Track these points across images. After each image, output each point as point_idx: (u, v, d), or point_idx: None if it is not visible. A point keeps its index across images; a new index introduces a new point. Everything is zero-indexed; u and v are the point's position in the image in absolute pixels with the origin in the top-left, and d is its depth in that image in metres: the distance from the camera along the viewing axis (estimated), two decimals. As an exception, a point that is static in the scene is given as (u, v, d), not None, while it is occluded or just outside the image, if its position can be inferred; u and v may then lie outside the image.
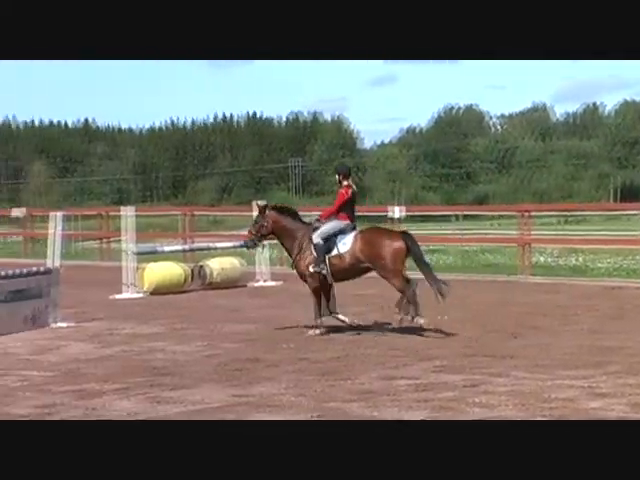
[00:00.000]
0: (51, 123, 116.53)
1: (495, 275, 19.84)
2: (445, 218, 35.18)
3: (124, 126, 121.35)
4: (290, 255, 12.22)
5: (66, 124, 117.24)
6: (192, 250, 22.35)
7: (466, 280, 18.95)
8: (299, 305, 14.82)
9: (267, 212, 12.23)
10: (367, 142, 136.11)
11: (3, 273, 12.00)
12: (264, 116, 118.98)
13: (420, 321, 11.32)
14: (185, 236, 26.17)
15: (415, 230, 32.61)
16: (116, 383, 8.39)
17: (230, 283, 17.96)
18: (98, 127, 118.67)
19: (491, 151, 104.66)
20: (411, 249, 11.59)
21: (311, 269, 11.76)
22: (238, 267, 18.46)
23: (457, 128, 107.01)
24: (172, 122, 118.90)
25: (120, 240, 18.73)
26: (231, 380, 8.53)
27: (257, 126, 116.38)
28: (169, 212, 39.21)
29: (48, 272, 12.62)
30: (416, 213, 33.86)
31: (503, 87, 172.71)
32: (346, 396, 7.78)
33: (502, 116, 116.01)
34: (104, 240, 28.04)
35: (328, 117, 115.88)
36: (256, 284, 18.53)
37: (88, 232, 32.15)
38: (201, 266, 18.08)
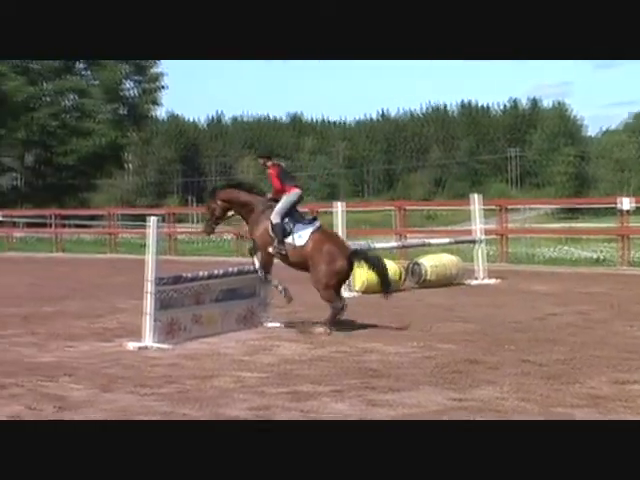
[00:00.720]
0: (260, 118, 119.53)
1: None
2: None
3: (333, 119, 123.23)
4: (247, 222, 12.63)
5: (275, 118, 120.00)
6: (405, 247, 22.44)
7: None
8: (520, 304, 14.63)
9: (216, 194, 12.67)
10: (592, 129, 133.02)
11: (216, 272, 12.38)
12: (479, 104, 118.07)
13: (317, 330, 11.91)
14: (398, 232, 26.28)
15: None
16: (330, 385, 8.50)
17: (446, 281, 17.90)
18: (307, 121, 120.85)
19: None
20: (365, 262, 12.34)
21: (270, 250, 12.28)
22: (454, 264, 18.38)
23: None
24: (383, 113, 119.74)
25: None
26: (449, 383, 8.49)
27: (472, 115, 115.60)
28: (381, 207, 39.52)
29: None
30: (647, 204, 32.71)
31: None
32: (574, 401, 7.60)
33: None
34: (315, 237, 28.47)
35: (548, 103, 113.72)
36: (473, 282, 18.41)
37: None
38: (415, 263, 18.10)
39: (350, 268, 12.28)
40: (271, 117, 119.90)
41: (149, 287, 11.11)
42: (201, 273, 12.17)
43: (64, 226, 37.71)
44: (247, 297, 12.65)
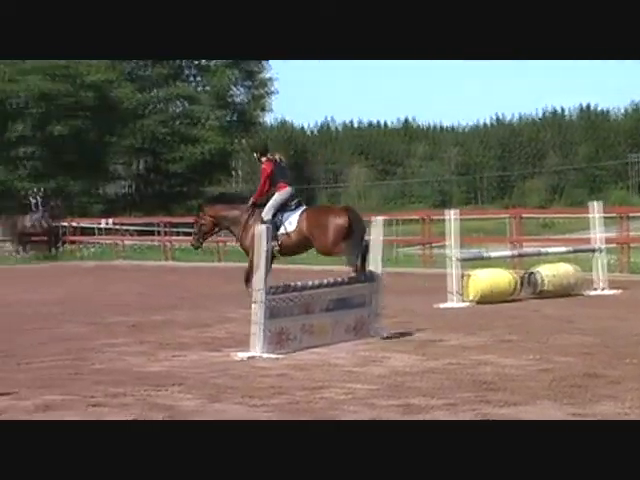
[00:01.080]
0: (370, 124, 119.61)
1: None
2: None
3: (446, 124, 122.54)
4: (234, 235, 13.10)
5: (385, 124, 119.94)
6: (521, 256, 22.20)
7: None
8: (642, 316, 14.35)
9: (204, 210, 13.28)
10: None
11: (325, 281, 12.43)
12: (599, 108, 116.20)
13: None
14: (512, 240, 26.02)
15: None
16: (443, 398, 8.45)
17: (563, 291, 17.65)
18: (419, 126, 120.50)
19: None
20: (354, 224, 12.51)
21: None
22: (572, 274, 18.10)
23: None
24: (497, 118, 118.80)
25: (443, 245, 18.96)
26: (568, 397, 8.36)
27: (591, 119, 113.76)
28: (495, 215, 39.23)
29: (370, 280, 12.93)
30: None
31: None
32: (700, 419, 7.42)
33: None
34: (426, 245, 28.42)
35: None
36: (592, 292, 18.10)
37: (409, 237, 32.76)
38: (531, 273, 17.89)
39: (350, 221, 12.58)
40: (382, 123, 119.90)
41: (258, 296, 11.20)
42: (311, 282, 12.23)
43: (173, 234, 38.30)
44: (357, 307, 12.66)
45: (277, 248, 12.67)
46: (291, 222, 12.69)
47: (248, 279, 12.74)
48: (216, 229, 13.27)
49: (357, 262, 12.53)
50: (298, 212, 12.71)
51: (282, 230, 12.69)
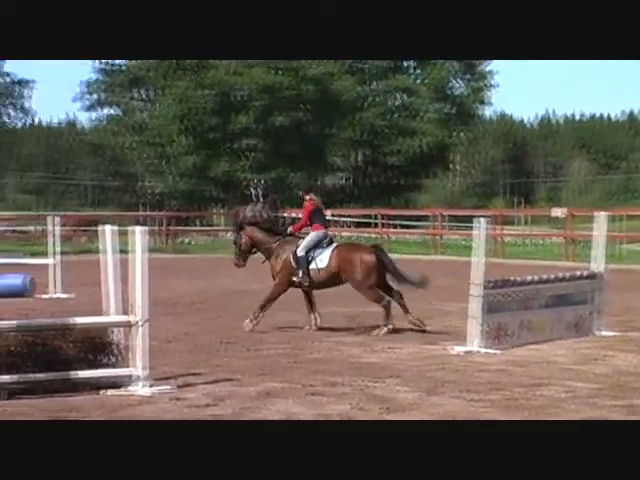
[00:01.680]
0: (593, 116, 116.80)
1: None
2: None
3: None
4: (268, 260, 13.79)
5: (609, 117, 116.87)
6: None
7: None
8: None
9: (244, 229, 13.99)
10: None
11: (545, 277, 12.22)
12: None
13: (383, 330, 12.55)
14: None
15: None
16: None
17: None
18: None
19: None
20: (383, 261, 13.05)
21: (295, 279, 13.32)
22: None
23: None
24: None
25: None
26: None
27: None
28: None
29: (592, 276, 12.64)
30: None
31: None
32: None
33: None
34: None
35: None
36: None
37: (633, 233, 31.85)
38: None
39: (379, 259, 13.04)
40: (605, 115, 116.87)
41: (477, 290, 11.11)
42: (530, 277, 12.05)
43: (390, 226, 38.46)
44: (577, 304, 12.40)
45: (307, 283, 13.29)
46: (322, 259, 13.34)
47: (264, 306, 13.37)
48: (254, 249, 14.05)
49: (407, 283, 13.10)
50: (330, 249, 13.40)
51: (313, 266, 13.32)
